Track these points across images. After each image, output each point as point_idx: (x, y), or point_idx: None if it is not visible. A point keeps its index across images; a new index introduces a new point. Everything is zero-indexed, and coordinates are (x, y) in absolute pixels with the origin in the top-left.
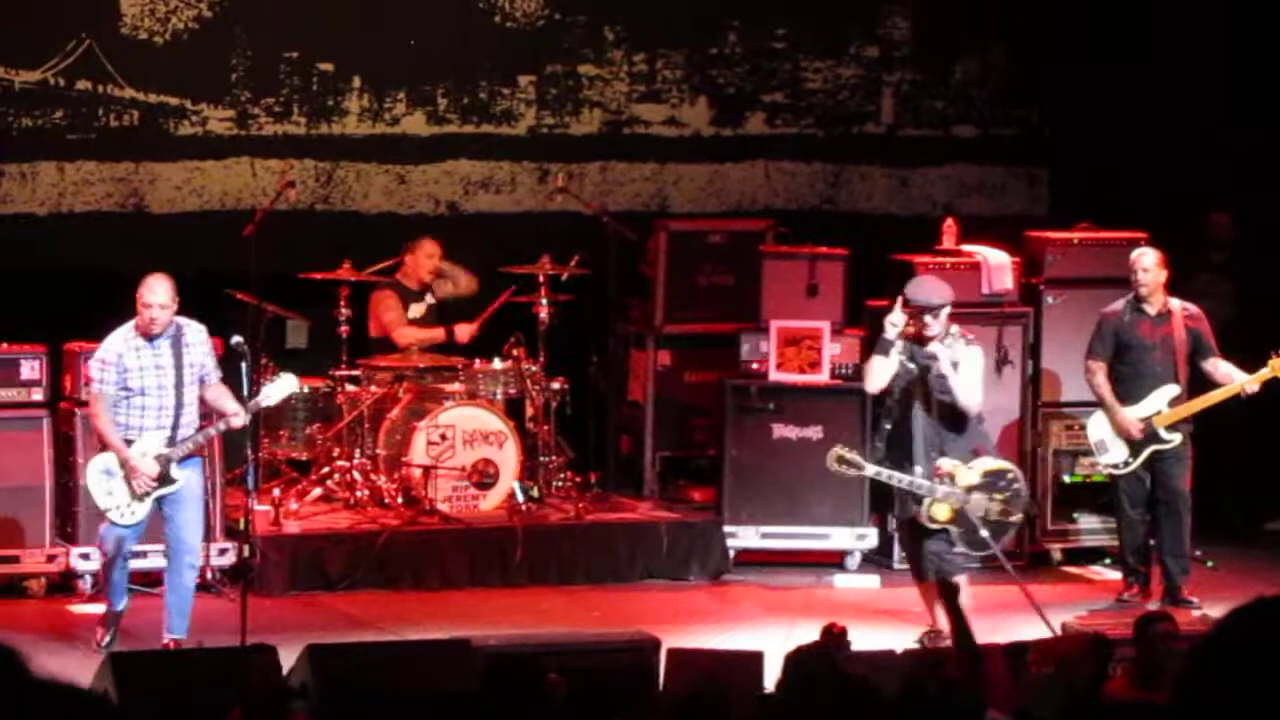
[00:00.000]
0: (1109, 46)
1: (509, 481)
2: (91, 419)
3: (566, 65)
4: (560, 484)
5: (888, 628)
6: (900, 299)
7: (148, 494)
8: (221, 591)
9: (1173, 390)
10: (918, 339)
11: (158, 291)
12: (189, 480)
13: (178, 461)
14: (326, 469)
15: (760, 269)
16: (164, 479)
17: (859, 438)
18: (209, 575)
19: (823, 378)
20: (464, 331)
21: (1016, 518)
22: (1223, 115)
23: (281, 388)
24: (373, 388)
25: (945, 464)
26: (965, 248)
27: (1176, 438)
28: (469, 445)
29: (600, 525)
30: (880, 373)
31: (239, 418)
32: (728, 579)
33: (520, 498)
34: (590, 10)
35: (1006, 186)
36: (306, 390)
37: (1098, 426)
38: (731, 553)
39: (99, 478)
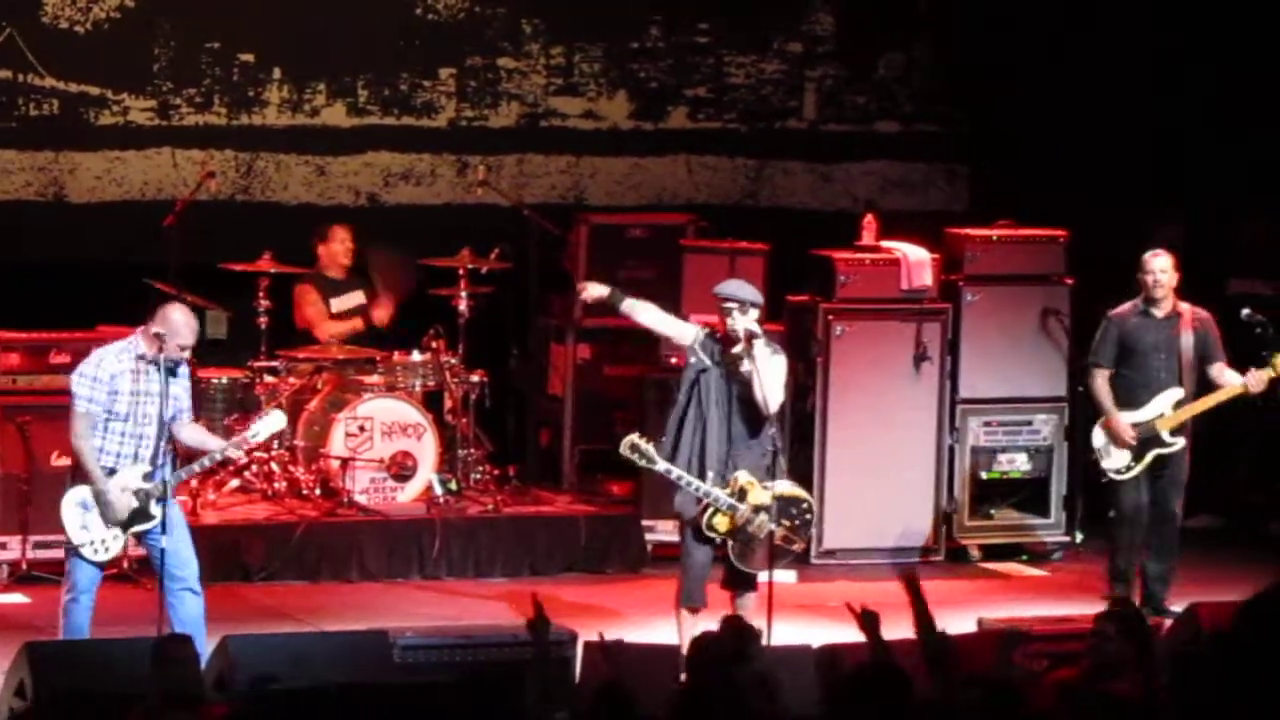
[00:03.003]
0: (1030, 45)
1: (427, 474)
2: (72, 440)
3: (486, 58)
4: (479, 477)
5: (804, 622)
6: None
7: (122, 529)
8: (139, 581)
9: (1177, 394)
10: (724, 338)
11: (194, 323)
12: (174, 511)
13: (159, 497)
14: (244, 460)
15: (681, 263)
16: (140, 515)
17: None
18: (125, 565)
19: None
20: (382, 314)
21: (796, 546)
22: (1143, 113)
23: (270, 425)
24: (291, 379)
25: (743, 478)
26: (885, 244)
27: (1180, 441)
28: (388, 437)
29: (519, 518)
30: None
31: (236, 450)
32: (646, 572)
33: (438, 490)
34: (510, 3)
35: (928, 183)
36: (225, 381)
37: (1100, 432)
38: (650, 547)
39: (74, 510)
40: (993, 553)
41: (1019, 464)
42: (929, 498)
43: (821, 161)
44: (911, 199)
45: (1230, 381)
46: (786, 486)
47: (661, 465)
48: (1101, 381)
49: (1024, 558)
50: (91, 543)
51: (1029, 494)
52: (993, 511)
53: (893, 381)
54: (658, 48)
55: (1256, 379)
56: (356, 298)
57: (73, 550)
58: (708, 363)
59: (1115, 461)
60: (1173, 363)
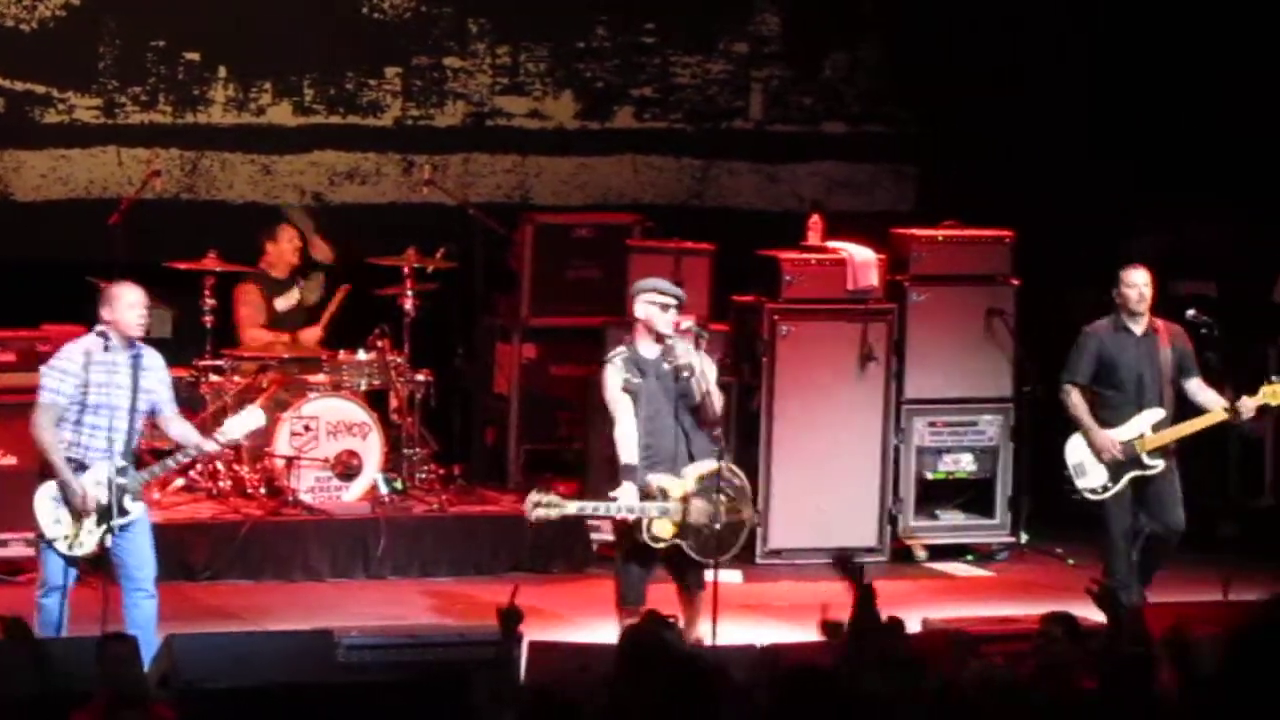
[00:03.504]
0: (977, 46)
1: (372, 473)
2: (34, 432)
3: (432, 57)
4: (424, 476)
5: (749, 622)
6: (654, 294)
7: (95, 523)
8: (85, 580)
9: (1157, 414)
10: (658, 337)
11: (139, 291)
12: (139, 512)
13: (134, 494)
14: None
15: (627, 263)
16: (112, 510)
17: (725, 429)
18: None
19: None
20: (310, 336)
21: (747, 514)
22: (1091, 116)
23: (245, 422)
24: (236, 378)
25: (654, 480)
26: (831, 244)
27: (1159, 464)
28: (333, 436)
29: (464, 518)
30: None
31: (209, 444)
32: (591, 572)
33: (384, 489)
34: (456, 3)
35: (874, 183)
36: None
37: (1076, 450)
38: (595, 546)
39: (48, 504)
40: (938, 553)
41: (964, 464)
42: (874, 498)
43: (768, 162)
44: (858, 199)
45: (1210, 402)
46: (699, 468)
47: (574, 506)
48: (1078, 397)
49: (969, 558)
50: (65, 537)
51: (974, 495)
52: (938, 512)
53: (838, 382)
54: (604, 47)
55: (1246, 407)
56: (295, 295)
57: (45, 543)
58: (638, 380)
59: (1091, 480)
60: (1152, 380)
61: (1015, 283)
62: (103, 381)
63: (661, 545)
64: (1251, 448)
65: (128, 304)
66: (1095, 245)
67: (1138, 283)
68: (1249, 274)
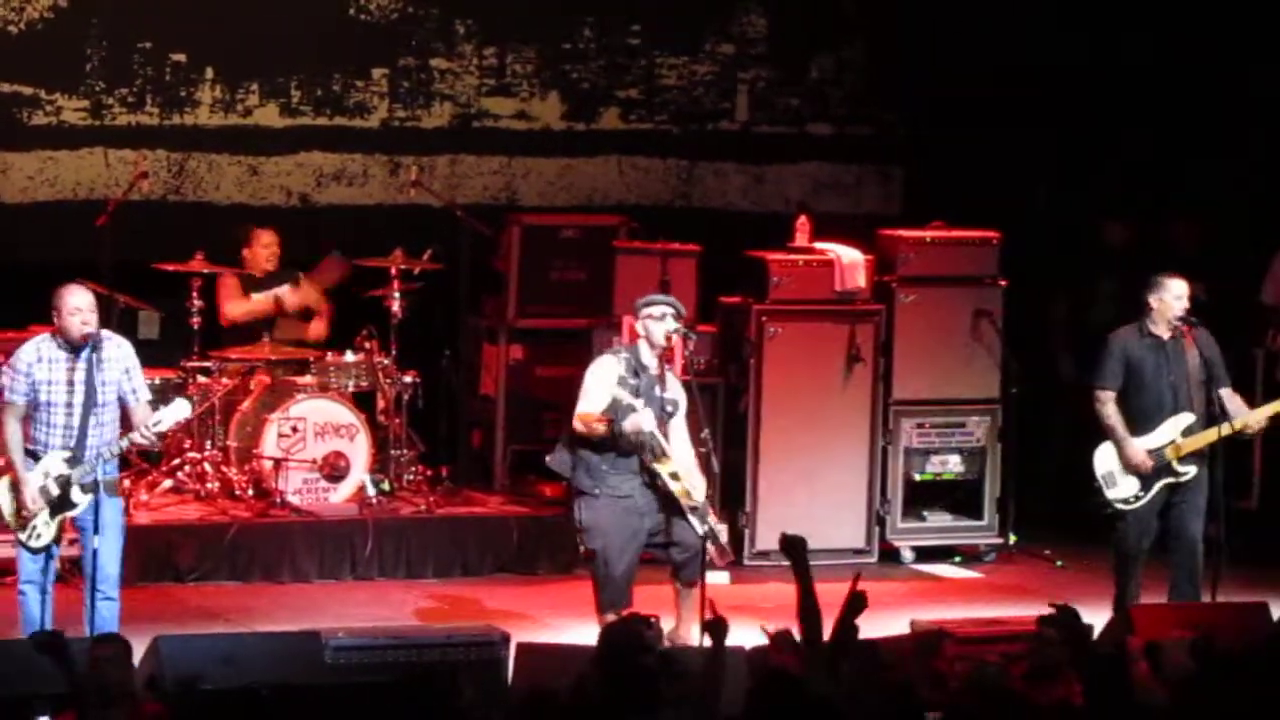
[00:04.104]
0: (963, 48)
1: (360, 474)
2: None
3: (419, 59)
4: (411, 477)
5: (737, 624)
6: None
7: (37, 515)
8: (69, 580)
9: (1186, 419)
10: (652, 345)
11: (82, 295)
12: (109, 511)
13: (80, 484)
14: (177, 460)
15: (613, 264)
16: (64, 502)
17: (711, 431)
18: (57, 565)
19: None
20: (317, 330)
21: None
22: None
23: (174, 412)
24: (224, 379)
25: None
26: (818, 245)
27: (1191, 470)
28: (320, 438)
29: (451, 519)
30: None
31: (141, 435)
32: (578, 573)
33: (371, 491)
34: (443, 4)
35: (861, 185)
36: (158, 381)
37: (1105, 459)
38: (582, 548)
39: (6, 496)
40: (925, 554)
41: (952, 466)
42: (861, 499)
43: (754, 163)
44: (844, 201)
45: (1236, 411)
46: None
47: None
48: (1113, 408)
49: (956, 560)
50: (19, 527)
51: (962, 496)
52: (925, 513)
53: (826, 383)
54: (590, 49)
55: (1261, 416)
56: (271, 295)
57: (15, 539)
58: (635, 382)
59: (1122, 490)
60: (1180, 386)
61: (1003, 283)
62: (53, 379)
63: (665, 482)
64: (1239, 448)
65: (69, 310)
66: (1079, 246)
67: (1182, 294)
68: (1236, 275)
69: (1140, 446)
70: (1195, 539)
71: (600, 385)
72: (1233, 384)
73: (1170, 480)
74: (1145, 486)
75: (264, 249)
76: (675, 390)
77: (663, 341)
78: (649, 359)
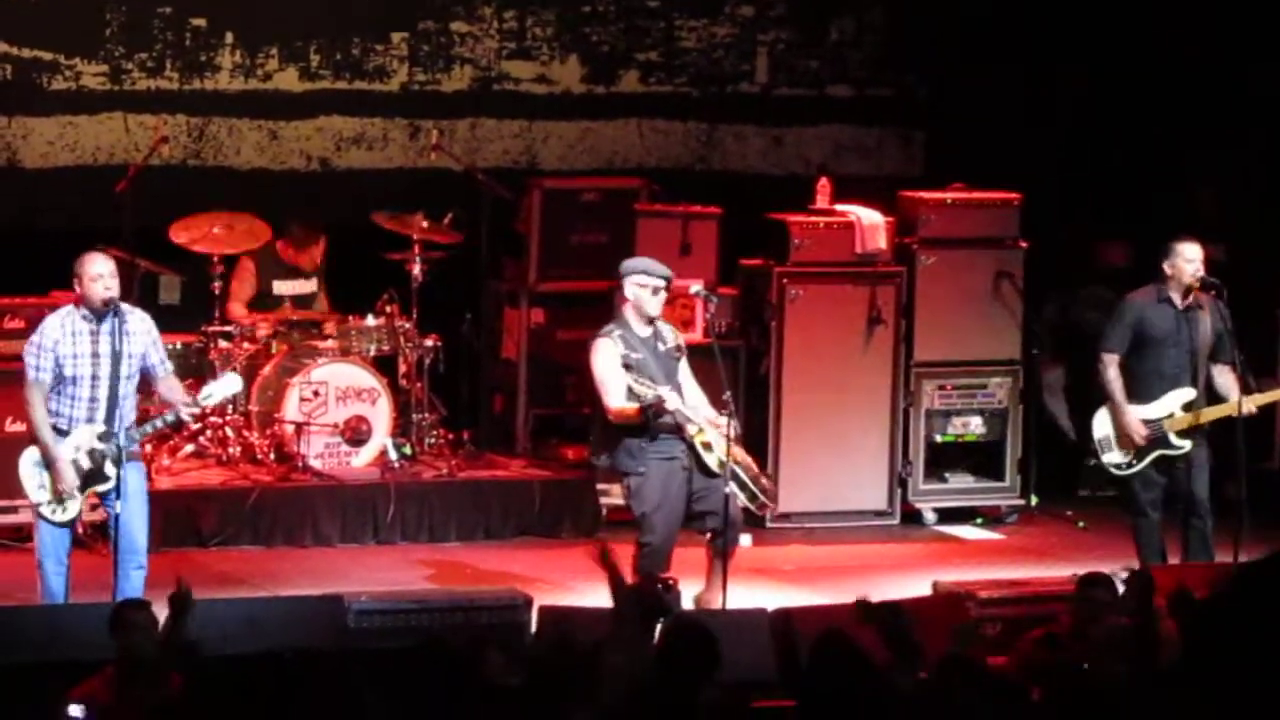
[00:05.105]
0: (983, 9)
1: (381, 439)
2: (26, 408)
3: (438, 22)
4: (433, 441)
5: (759, 586)
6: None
7: (78, 489)
8: (92, 547)
9: (1188, 394)
10: (649, 320)
11: (103, 261)
12: (132, 478)
13: (114, 459)
14: (199, 425)
15: (634, 227)
16: (96, 475)
17: (733, 394)
18: (80, 530)
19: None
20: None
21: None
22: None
23: (225, 386)
24: (245, 344)
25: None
26: (839, 207)
27: (1186, 444)
28: (342, 402)
29: (473, 483)
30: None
31: (187, 409)
32: (600, 536)
33: (393, 455)
34: None
35: (881, 147)
36: (179, 346)
37: (1103, 423)
38: (604, 511)
39: (32, 469)
40: (947, 516)
41: (973, 427)
42: (883, 461)
43: (774, 125)
44: (865, 163)
45: (1228, 392)
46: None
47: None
48: (1115, 372)
49: (978, 521)
50: (49, 502)
51: (983, 457)
52: (947, 475)
53: (847, 345)
54: (609, 12)
55: (1255, 401)
56: (306, 286)
57: (35, 511)
58: (637, 356)
59: (1116, 456)
60: (1185, 355)
61: (1024, 245)
62: (78, 352)
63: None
64: (1260, 410)
65: (91, 276)
66: (1106, 209)
67: (1195, 258)
68: (1258, 237)
69: (1138, 416)
70: (1203, 499)
71: (613, 371)
72: (1253, 347)
73: (1164, 451)
74: (1139, 456)
75: (316, 249)
76: (670, 335)
77: (655, 312)
78: (641, 329)
